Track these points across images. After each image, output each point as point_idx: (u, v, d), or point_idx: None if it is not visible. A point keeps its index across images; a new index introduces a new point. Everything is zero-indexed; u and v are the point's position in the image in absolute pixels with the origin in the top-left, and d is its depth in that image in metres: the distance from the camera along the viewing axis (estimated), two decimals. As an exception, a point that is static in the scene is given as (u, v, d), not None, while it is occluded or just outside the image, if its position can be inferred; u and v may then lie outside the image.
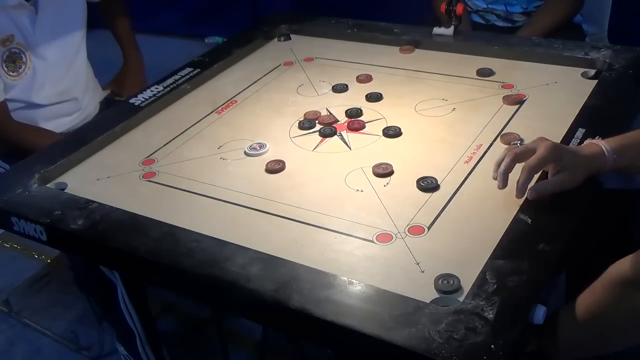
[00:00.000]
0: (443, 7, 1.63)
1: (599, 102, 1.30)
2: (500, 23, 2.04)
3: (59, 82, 1.83)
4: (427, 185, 1.14)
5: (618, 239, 1.25)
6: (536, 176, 1.06)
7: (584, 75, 1.44)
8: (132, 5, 2.12)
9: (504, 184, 1.05)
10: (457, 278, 0.92)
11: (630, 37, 1.61)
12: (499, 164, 1.06)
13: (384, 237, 1.04)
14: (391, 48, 1.67)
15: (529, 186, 1.04)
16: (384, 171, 1.19)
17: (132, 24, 2.09)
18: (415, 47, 1.65)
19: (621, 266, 0.89)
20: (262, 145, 1.31)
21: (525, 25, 1.95)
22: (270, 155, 1.29)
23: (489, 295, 0.87)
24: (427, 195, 1.12)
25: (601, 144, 1.05)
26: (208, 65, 1.65)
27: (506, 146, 1.22)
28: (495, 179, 1.06)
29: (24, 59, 1.74)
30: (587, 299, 0.94)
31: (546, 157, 1.02)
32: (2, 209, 1.19)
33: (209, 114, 1.47)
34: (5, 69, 1.71)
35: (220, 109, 1.49)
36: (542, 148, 1.03)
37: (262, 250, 1.01)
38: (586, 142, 1.09)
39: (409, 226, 1.05)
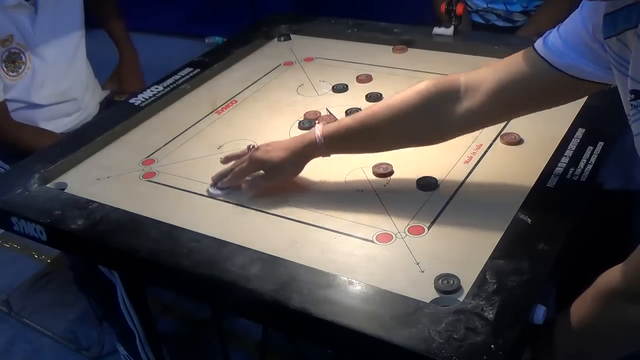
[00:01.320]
0: (443, 7, 1.63)
1: (599, 102, 1.30)
2: (500, 23, 2.04)
3: (59, 82, 1.84)
4: (427, 185, 1.14)
5: (617, 239, 1.25)
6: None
7: (584, 75, 1.44)
8: (132, 5, 2.13)
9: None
10: (457, 278, 0.92)
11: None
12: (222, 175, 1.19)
13: (384, 237, 1.04)
14: (391, 48, 1.67)
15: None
16: (384, 171, 1.19)
17: (124, 21, 2.09)
18: (408, 47, 1.66)
19: (610, 277, 0.88)
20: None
21: (525, 26, 1.95)
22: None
23: (489, 295, 0.87)
24: (427, 195, 1.12)
25: (316, 132, 1.11)
26: (208, 65, 1.65)
27: (506, 145, 1.23)
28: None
29: (23, 59, 1.74)
30: (579, 309, 0.93)
31: (244, 169, 1.17)
32: (2, 209, 1.19)
33: (209, 114, 1.47)
34: (5, 69, 1.71)
35: (220, 109, 1.49)
36: (245, 162, 1.17)
37: (261, 250, 1.01)
38: (314, 128, 1.14)
39: (409, 226, 1.05)
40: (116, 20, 2.07)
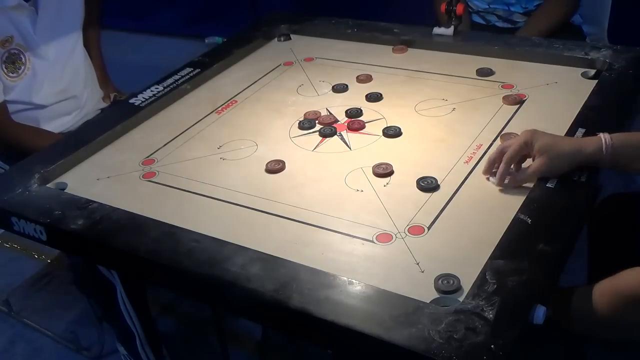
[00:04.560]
0: (443, 7, 1.63)
1: (599, 102, 1.30)
2: (500, 24, 2.04)
3: (58, 81, 1.84)
4: (427, 185, 1.14)
5: (620, 241, 1.26)
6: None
7: (584, 75, 1.44)
8: (132, 5, 2.12)
9: (499, 183, 1.11)
10: (457, 278, 0.92)
11: (630, 37, 1.61)
12: (491, 162, 1.12)
13: (384, 237, 1.04)
14: (391, 48, 1.67)
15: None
16: (384, 171, 1.19)
17: (100, 31, 2.09)
18: (408, 47, 1.66)
19: (630, 280, 0.91)
20: None
21: (524, 26, 1.96)
22: (270, 155, 1.28)
23: (489, 295, 0.87)
24: (427, 195, 1.12)
25: (603, 136, 1.06)
26: (208, 65, 1.65)
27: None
28: (486, 174, 1.14)
29: (23, 59, 1.75)
30: (599, 297, 0.97)
31: (518, 146, 1.08)
32: (2, 209, 1.19)
33: (209, 114, 1.47)
34: (5, 70, 1.72)
35: (220, 109, 1.49)
36: (515, 139, 1.10)
37: (262, 250, 1.01)
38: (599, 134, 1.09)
39: (409, 226, 1.05)
40: (93, 28, 2.05)
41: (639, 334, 0.97)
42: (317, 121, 1.38)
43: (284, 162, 1.25)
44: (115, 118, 1.45)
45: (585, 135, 1.18)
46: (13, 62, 1.73)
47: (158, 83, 1.57)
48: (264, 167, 1.25)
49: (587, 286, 1.00)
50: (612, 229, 1.28)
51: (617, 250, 1.23)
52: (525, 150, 1.09)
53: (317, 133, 1.35)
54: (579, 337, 1.05)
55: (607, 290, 0.95)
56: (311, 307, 0.90)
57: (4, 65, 1.71)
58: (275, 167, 1.24)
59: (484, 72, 1.49)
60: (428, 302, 0.89)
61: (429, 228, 1.05)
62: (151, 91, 1.54)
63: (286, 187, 1.19)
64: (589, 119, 1.24)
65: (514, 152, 1.09)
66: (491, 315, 0.84)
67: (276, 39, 1.81)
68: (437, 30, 1.65)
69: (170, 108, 1.52)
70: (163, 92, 1.53)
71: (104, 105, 2.01)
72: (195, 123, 1.44)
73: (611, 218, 1.26)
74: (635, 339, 0.99)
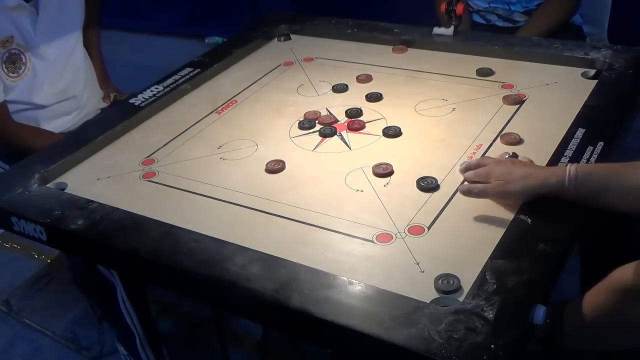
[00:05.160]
0: (443, 7, 1.63)
1: (599, 102, 1.30)
2: (500, 23, 2.04)
3: (58, 81, 1.84)
4: (427, 185, 1.14)
5: (618, 242, 1.25)
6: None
7: (584, 75, 1.44)
8: (132, 5, 2.12)
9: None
10: (457, 278, 0.92)
11: (630, 37, 1.61)
12: (468, 166, 1.11)
13: (384, 237, 1.04)
14: (391, 48, 1.67)
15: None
16: (384, 171, 1.19)
17: (100, 31, 2.09)
18: (408, 47, 1.66)
19: (623, 274, 0.91)
20: None
21: (525, 26, 1.96)
22: (270, 155, 1.28)
23: (489, 295, 0.87)
24: (427, 195, 1.12)
25: (569, 167, 1.01)
26: (208, 65, 1.65)
27: (506, 145, 1.23)
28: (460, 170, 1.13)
29: (23, 59, 1.75)
30: (592, 299, 0.96)
31: (484, 172, 1.08)
32: (2, 209, 1.19)
33: (209, 114, 1.47)
34: (5, 70, 1.72)
35: (220, 109, 1.49)
36: (491, 164, 1.08)
37: (262, 250, 1.01)
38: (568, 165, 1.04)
39: (409, 226, 1.05)
40: (93, 28, 2.05)
41: (636, 338, 0.97)
42: (317, 121, 1.38)
43: (284, 162, 1.25)
44: (115, 118, 1.46)
45: (585, 135, 1.18)
46: (13, 62, 1.73)
47: (158, 83, 1.57)
48: (264, 167, 1.25)
49: (579, 297, 1.00)
50: (604, 240, 1.27)
51: (609, 261, 1.23)
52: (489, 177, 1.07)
53: (317, 133, 1.35)
54: (573, 355, 1.05)
55: (602, 289, 0.95)
56: (311, 307, 0.90)
57: (4, 65, 1.71)
58: (275, 167, 1.24)
59: (484, 72, 1.49)
60: (428, 302, 0.89)
61: (429, 228, 1.05)
62: (151, 91, 1.54)
63: (286, 187, 1.19)
64: (589, 119, 1.24)
65: (481, 174, 1.08)
66: (491, 315, 0.84)
67: (276, 39, 1.81)
68: (437, 30, 1.65)
69: (170, 108, 1.52)
70: (163, 92, 1.53)
71: (104, 105, 2.01)
72: (195, 123, 1.44)
73: (603, 228, 1.25)
74: (632, 346, 0.99)
